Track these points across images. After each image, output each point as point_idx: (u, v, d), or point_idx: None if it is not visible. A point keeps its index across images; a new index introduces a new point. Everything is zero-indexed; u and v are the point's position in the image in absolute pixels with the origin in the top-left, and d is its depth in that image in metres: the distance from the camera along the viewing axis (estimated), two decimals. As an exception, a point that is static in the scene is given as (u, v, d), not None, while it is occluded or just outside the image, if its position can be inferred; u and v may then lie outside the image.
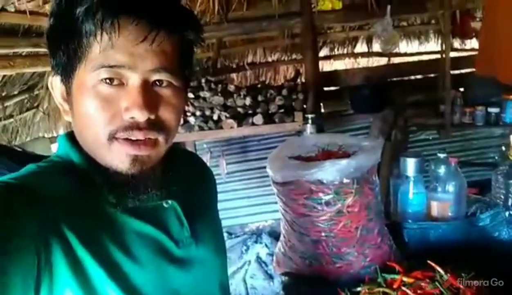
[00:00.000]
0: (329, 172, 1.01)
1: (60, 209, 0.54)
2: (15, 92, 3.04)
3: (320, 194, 1.04)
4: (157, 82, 0.57)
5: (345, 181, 1.03)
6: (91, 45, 0.53)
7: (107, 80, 0.54)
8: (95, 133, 0.55)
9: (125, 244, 0.58)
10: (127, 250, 0.57)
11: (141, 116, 0.54)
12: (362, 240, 1.10)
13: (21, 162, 0.61)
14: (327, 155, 1.20)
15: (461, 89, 3.11)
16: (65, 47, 0.55)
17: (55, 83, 0.60)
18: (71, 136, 0.62)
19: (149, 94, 0.55)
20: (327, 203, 1.04)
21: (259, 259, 3.59)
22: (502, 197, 1.41)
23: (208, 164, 3.68)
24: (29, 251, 0.49)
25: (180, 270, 0.63)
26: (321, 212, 1.06)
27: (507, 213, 1.34)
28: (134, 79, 0.54)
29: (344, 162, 1.01)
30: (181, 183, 0.68)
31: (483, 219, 1.37)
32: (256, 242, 3.95)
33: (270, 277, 3.27)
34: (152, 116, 0.55)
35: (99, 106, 0.54)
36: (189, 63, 0.62)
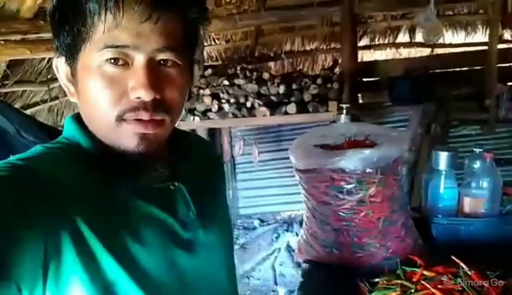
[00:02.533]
0: (352, 160, 1.00)
1: (68, 192, 0.54)
2: (61, 75, 3.19)
3: (342, 183, 1.03)
4: (162, 62, 0.56)
5: (368, 170, 1.01)
6: (95, 25, 0.53)
7: (112, 61, 0.54)
8: (102, 114, 0.56)
9: (133, 227, 0.58)
10: (135, 233, 0.57)
11: (147, 96, 0.54)
12: (384, 232, 1.09)
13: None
14: (353, 144, 1.18)
15: (509, 83, 2.95)
16: (69, 27, 0.55)
17: (59, 64, 0.60)
18: (77, 118, 0.62)
19: (155, 74, 0.55)
20: (349, 192, 1.03)
21: (289, 247, 3.61)
22: (541, 196, 1.34)
23: (240, 151, 3.70)
24: (37, 236, 0.49)
25: (186, 253, 0.62)
26: (343, 201, 1.05)
27: (544, 213, 1.27)
28: (139, 59, 0.54)
29: (367, 151, 1.00)
30: (189, 166, 0.68)
31: (518, 218, 1.31)
32: (287, 230, 3.97)
33: (299, 265, 3.28)
34: (158, 96, 0.55)
35: (105, 87, 0.54)
36: (194, 43, 0.62)
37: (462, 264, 0.96)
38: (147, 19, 0.53)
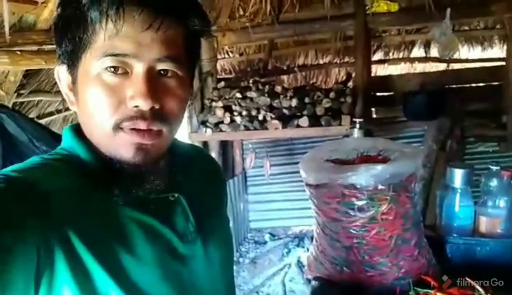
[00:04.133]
0: (363, 176, 0.97)
1: (63, 205, 0.53)
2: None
3: (353, 199, 1.00)
4: (162, 72, 0.56)
5: (380, 187, 0.98)
6: (96, 33, 0.53)
7: (112, 69, 0.54)
8: (100, 122, 0.55)
9: (128, 240, 0.57)
10: (129, 246, 0.56)
11: (145, 104, 0.53)
12: (396, 251, 1.05)
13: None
14: (365, 159, 1.16)
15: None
16: (71, 35, 0.55)
17: (61, 73, 0.60)
18: (76, 129, 0.61)
19: (154, 83, 0.54)
20: (360, 209, 1.01)
21: (299, 263, 3.55)
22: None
23: (252, 164, 3.68)
24: (30, 249, 0.48)
25: (184, 266, 0.61)
26: (354, 218, 1.02)
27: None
28: (138, 68, 0.54)
29: (379, 167, 0.97)
30: (188, 178, 0.67)
31: (536, 239, 1.26)
32: (298, 245, 3.92)
33: (309, 281, 3.22)
34: (157, 106, 0.55)
35: (104, 95, 0.54)
36: (195, 55, 0.62)
37: (478, 287, 0.93)
38: (148, 28, 0.52)
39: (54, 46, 0.60)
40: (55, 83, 3.13)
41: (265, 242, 4.10)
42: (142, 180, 0.60)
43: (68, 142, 0.61)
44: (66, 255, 0.51)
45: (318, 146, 1.22)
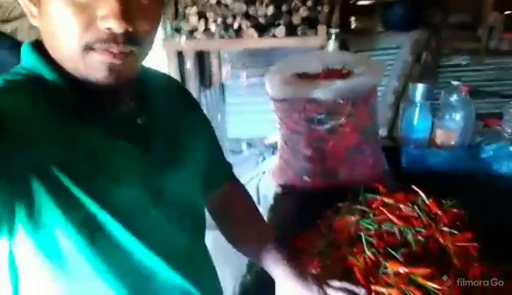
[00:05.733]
0: (324, 91, 1.01)
1: (32, 131, 0.52)
2: None
3: (314, 113, 1.05)
4: None
5: (339, 101, 1.02)
6: None
7: None
8: (68, 42, 0.52)
9: (103, 160, 0.57)
10: (105, 166, 0.57)
11: (118, 28, 0.51)
12: (352, 161, 1.13)
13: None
14: (329, 74, 1.18)
15: (507, 12, 2.85)
16: None
17: None
18: (37, 46, 0.58)
19: (127, 3, 0.51)
20: (320, 122, 1.06)
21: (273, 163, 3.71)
22: (510, 131, 1.38)
23: (228, 75, 3.65)
24: (0, 182, 0.47)
25: (158, 182, 0.63)
26: (313, 130, 1.07)
27: (511, 148, 1.31)
28: None
29: (340, 82, 1.00)
30: (157, 102, 0.68)
31: (486, 151, 1.35)
32: (273, 153, 4.06)
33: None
34: (130, 29, 0.52)
35: (73, 12, 0.50)
36: None
37: (421, 193, 1.02)
38: None
39: None
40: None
41: (242, 151, 4.23)
42: (113, 102, 0.60)
43: (30, 61, 0.58)
44: (44, 183, 0.51)
45: (284, 60, 1.23)
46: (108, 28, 0.51)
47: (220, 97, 4.07)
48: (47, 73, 0.57)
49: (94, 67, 0.54)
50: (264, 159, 4.20)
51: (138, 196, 0.61)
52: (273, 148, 4.36)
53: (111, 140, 0.59)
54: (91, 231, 0.55)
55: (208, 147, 0.82)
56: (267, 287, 0.92)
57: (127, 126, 0.62)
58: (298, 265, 0.81)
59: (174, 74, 3.21)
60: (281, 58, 3.77)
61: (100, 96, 0.58)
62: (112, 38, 0.52)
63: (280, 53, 3.66)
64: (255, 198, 3.47)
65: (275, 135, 1.28)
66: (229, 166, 0.94)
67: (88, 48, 0.52)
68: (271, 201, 1.35)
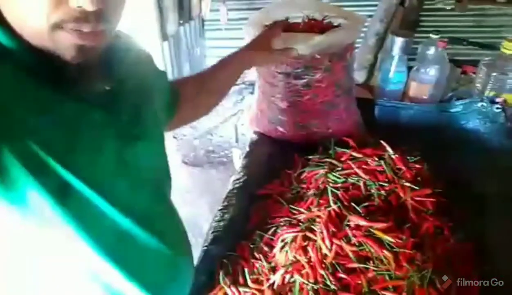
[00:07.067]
0: (301, 45, 1.01)
1: (8, 108, 0.50)
2: None
3: (290, 67, 1.05)
4: None
5: (316, 56, 1.03)
6: None
7: None
8: (34, 18, 0.50)
9: (73, 129, 0.57)
10: (75, 135, 0.57)
11: (91, 6, 0.49)
12: (326, 114, 1.16)
13: None
14: (310, 24, 1.17)
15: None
16: None
17: None
18: None
19: None
20: (296, 76, 1.07)
21: (250, 109, 3.73)
22: (480, 86, 1.42)
23: (208, 9, 3.51)
24: None
25: (132, 149, 0.66)
26: (289, 84, 1.09)
27: (479, 104, 1.36)
28: None
29: (317, 37, 1.00)
30: (123, 68, 0.68)
31: (455, 106, 1.40)
32: (252, 93, 4.04)
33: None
34: (101, 6, 0.51)
35: None
36: None
37: (388, 148, 1.06)
38: None
39: None
40: None
41: (221, 88, 4.20)
42: (81, 74, 0.59)
43: None
44: (15, 151, 0.51)
45: (265, 8, 1.20)
46: (79, 6, 0.50)
47: (199, 32, 3.94)
48: (7, 42, 0.54)
49: (62, 47, 0.53)
50: (243, 98, 4.21)
51: (111, 162, 0.63)
52: (252, 85, 4.33)
53: (82, 108, 0.59)
54: (63, 195, 0.56)
55: (165, 93, 0.87)
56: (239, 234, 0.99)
57: (95, 93, 0.62)
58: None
59: (151, 6, 3.06)
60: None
61: (70, 70, 0.58)
62: (84, 17, 0.51)
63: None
64: (233, 136, 3.52)
65: (254, 73, 1.28)
66: (173, 83, 0.98)
67: (57, 27, 0.51)
68: (248, 140, 1.39)
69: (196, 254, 0.94)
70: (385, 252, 0.80)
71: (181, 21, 3.46)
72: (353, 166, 1.01)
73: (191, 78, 1.03)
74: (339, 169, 1.02)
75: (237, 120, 4.03)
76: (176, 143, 3.54)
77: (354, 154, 1.05)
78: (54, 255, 0.61)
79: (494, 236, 0.96)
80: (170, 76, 0.94)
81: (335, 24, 1.15)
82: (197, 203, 2.99)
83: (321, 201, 0.94)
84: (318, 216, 0.89)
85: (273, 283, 0.82)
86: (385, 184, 0.97)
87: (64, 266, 0.63)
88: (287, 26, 1.19)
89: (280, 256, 0.86)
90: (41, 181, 0.53)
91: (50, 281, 0.64)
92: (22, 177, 0.52)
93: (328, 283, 0.78)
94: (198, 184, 3.15)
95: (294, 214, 0.95)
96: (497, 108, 1.28)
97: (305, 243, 0.85)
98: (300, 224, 0.90)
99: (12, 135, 0.51)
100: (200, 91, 0.99)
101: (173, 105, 0.94)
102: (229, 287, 0.85)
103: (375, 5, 3.20)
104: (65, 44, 0.53)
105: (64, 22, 0.51)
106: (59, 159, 0.55)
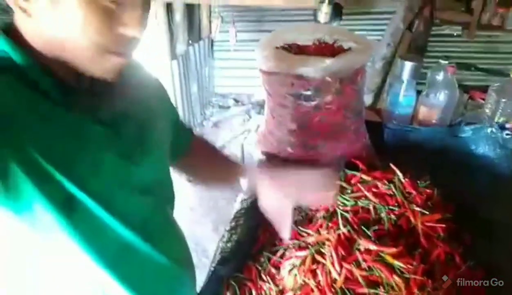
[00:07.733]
0: (312, 68, 1.02)
1: (9, 118, 0.52)
2: None
3: (301, 89, 1.06)
4: None
5: (327, 79, 1.04)
6: None
7: None
8: (82, 43, 0.54)
9: (78, 144, 0.59)
10: (77, 147, 0.59)
11: (139, 34, 0.57)
12: (335, 136, 1.16)
13: None
14: (320, 47, 1.18)
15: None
16: None
17: None
18: (6, 31, 0.57)
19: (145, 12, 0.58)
20: (306, 98, 1.07)
21: (258, 130, 3.75)
22: (489, 112, 1.42)
23: (217, 30, 3.58)
24: None
25: (137, 167, 0.68)
26: (299, 106, 1.09)
27: (489, 130, 1.36)
28: None
29: (329, 60, 1.01)
30: (130, 88, 0.71)
31: (465, 131, 1.39)
32: (259, 113, 4.08)
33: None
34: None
35: (99, 20, 0.53)
36: None
37: (398, 172, 1.06)
38: None
39: None
40: None
41: (229, 107, 4.23)
42: (92, 95, 0.63)
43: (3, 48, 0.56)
44: (23, 168, 0.52)
45: (276, 31, 1.22)
46: (128, 34, 0.56)
47: (208, 52, 4.00)
48: (18, 58, 0.56)
49: (107, 68, 0.58)
50: (250, 117, 4.22)
51: (114, 178, 0.64)
52: (260, 106, 4.37)
53: (87, 124, 0.61)
54: (68, 207, 0.58)
55: (173, 125, 0.88)
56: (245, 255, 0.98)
57: (102, 110, 0.64)
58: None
59: (162, 26, 3.12)
60: (274, 14, 3.68)
61: (77, 83, 0.61)
62: (129, 42, 0.58)
63: (271, 10, 3.59)
64: (239, 156, 3.52)
65: (262, 93, 1.29)
66: (189, 129, 1.01)
67: (105, 50, 0.56)
68: (255, 159, 1.39)
69: (200, 273, 0.93)
70: (395, 277, 0.78)
71: (191, 41, 3.52)
72: (362, 189, 1.00)
73: (212, 146, 1.06)
74: (349, 191, 1.01)
75: (244, 140, 4.07)
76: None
77: (364, 176, 1.04)
78: (56, 265, 0.62)
79: (503, 262, 0.94)
80: (178, 94, 0.96)
81: (346, 47, 1.17)
82: (202, 221, 2.98)
83: (330, 224, 0.93)
84: (328, 239, 0.88)
85: (281, 307, 0.81)
86: (395, 208, 0.96)
87: (66, 276, 0.64)
88: (298, 49, 1.21)
89: (289, 279, 0.85)
90: (46, 193, 0.55)
91: (51, 291, 0.64)
92: (28, 188, 0.53)
93: (338, 308, 0.77)
94: (202, 202, 3.15)
95: (303, 236, 0.94)
96: (507, 134, 1.27)
97: (314, 266, 0.84)
98: (309, 246, 0.89)
99: (15, 144, 0.52)
100: (211, 160, 1.01)
101: (183, 142, 0.95)
102: (236, 309, 0.84)
103: (382, 30, 3.25)
104: (111, 65, 0.58)
105: (113, 46, 0.56)
106: (62, 170, 0.56)
